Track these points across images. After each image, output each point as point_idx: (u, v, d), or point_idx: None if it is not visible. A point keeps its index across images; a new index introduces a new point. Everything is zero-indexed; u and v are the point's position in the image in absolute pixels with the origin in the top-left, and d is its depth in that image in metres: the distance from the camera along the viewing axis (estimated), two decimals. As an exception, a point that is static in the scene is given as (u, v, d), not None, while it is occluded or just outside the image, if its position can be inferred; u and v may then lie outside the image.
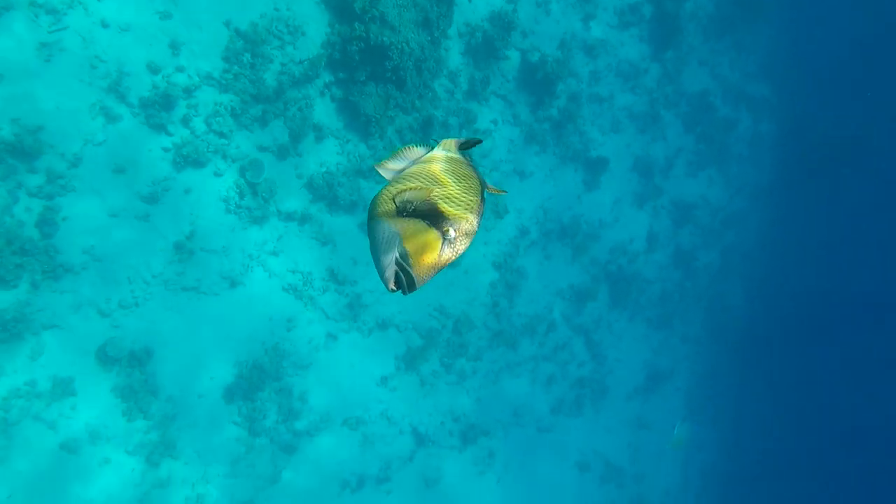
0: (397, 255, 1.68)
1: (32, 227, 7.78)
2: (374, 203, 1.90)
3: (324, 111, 9.67)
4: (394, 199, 1.84)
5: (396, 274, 1.68)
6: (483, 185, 2.06)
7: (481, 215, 1.87)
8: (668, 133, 14.93)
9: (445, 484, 11.42)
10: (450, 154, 2.17)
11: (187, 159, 8.82)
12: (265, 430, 9.45)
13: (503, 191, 2.30)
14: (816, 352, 18.14)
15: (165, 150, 8.69)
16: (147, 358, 8.61)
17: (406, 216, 1.79)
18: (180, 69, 8.64)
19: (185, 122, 8.76)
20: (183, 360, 8.93)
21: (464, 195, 1.88)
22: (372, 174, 9.98)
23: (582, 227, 13.16)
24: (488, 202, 10.62)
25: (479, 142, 2.66)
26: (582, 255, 13.25)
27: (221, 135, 8.98)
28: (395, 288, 1.67)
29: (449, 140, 2.30)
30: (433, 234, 1.73)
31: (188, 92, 8.73)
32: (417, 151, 2.19)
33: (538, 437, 13.13)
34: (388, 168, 2.13)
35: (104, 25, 8.20)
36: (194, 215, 8.96)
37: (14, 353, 7.83)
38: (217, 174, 9.10)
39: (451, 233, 1.75)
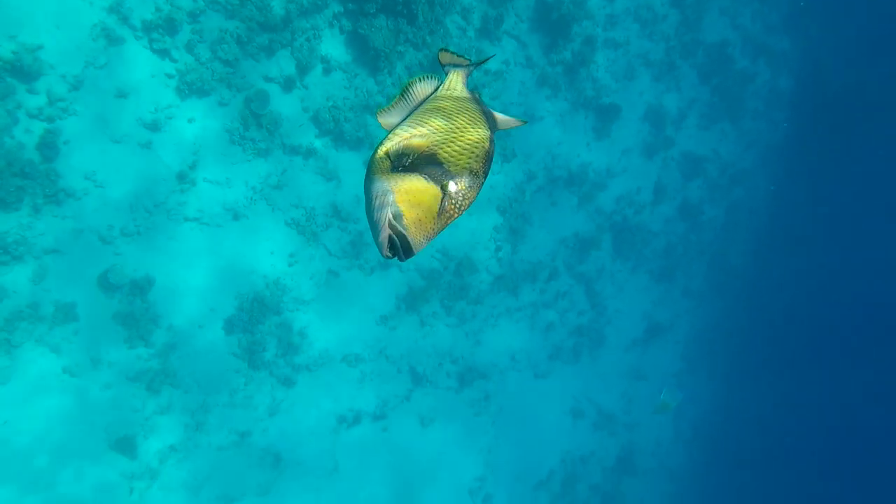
0: (390, 215, 1.48)
1: (33, 150, 7.62)
2: (370, 160, 1.68)
3: (332, 43, 9.36)
4: (388, 153, 1.61)
5: (390, 238, 1.48)
6: (493, 128, 1.83)
7: (489, 164, 1.65)
8: (683, 84, 14.53)
9: (440, 424, 11.52)
10: (455, 93, 1.92)
11: (191, 87, 8.59)
12: (264, 364, 9.47)
13: (523, 121, 2.02)
14: (816, 312, 18.11)
15: (169, 76, 8.45)
16: (148, 286, 8.56)
17: (402, 171, 1.56)
18: (185, -8, 8.34)
19: (190, 48, 8.49)
20: (184, 290, 8.88)
21: (468, 143, 1.65)
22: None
23: (589, 175, 12.93)
24: (497, 143, 10.38)
25: (492, 56, 2.45)
26: (588, 204, 13.06)
27: (227, 63, 8.72)
28: (389, 254, 1.48)
29: (456, 74, 2.03)
30: (431, 190, 1.53)
31: (193, 17, 8.44)
32: (422, 89, 1.93)
33: (534, 382, 13.19)
34: (391, 113, 1.89)
35: (107, -58, 7.87)
36: (197, 145, 8.78)
37: (16, 275, 7.78)
38: (222, 104, 8.88)
39: (452, 187, 1.54)
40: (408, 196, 1.50)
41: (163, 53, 8.36)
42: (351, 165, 9.78)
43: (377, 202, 1.52)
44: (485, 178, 1.62)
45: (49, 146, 7.70)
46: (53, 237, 7.91)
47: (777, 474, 18.12)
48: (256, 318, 9.30)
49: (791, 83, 17.06)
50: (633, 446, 15.42)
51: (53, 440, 8.12)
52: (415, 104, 1.90)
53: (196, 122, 8.76)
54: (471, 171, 1.59)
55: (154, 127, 8.43)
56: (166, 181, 8.60)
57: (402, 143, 1.63)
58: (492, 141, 1.72)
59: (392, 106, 1.89)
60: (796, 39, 17.06)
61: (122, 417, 8.56)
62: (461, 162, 1.59)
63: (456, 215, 1.55)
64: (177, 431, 8.94)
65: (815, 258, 18.27)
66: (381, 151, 1.64)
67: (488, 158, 1.66)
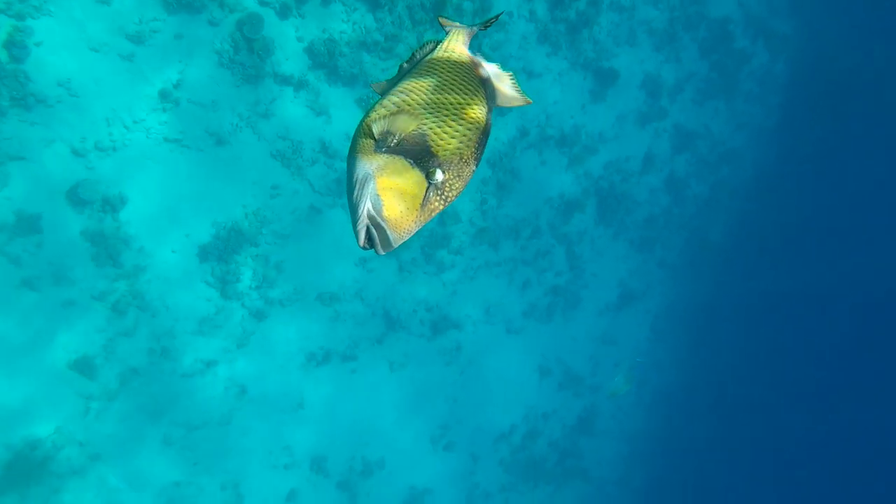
0: (370, 205, 1.29)
1: (0, 48, 6.86)
2: (356, 131, 1.45)
3: (332, -30, 8.59)
4: (372, 129, 1.37)
5: (368, 229, 1.28)
6: (492, 103, 1.55)
7: (482, 148, 1.40)
8: (683, 56, 13.87)
9: (409, 370, 11.11)
10: (454, 56, 1.61)
11: (180, 2, 7.82)
12: (237, 294, 8.94)
13: (528, 100, 1.63)
14: (788, 298, 17.91)
15: (156, -14, 7.67)
16: (121, 205, 7.92)
17: (386, 151, 1.34)
18: None
19: (181, -43, 7.70)
20: (159, 213, 8.26)
21: (461, 123, 1.38)
22: (376, 49, 9.04)
23: (582, 137, 12.34)
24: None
25: (500, 15, 2.09)
26: (577, 166, 12.50)
27: (219, -22, 7.94)
28: (366, 246, 1.30)
29: (457, 32, 1.71)
30: (416, 178, 1.31)
31: (186, -76, 7.62)
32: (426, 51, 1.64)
33: (506, 337, 12.82)
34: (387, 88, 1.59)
35: None
36: (183, 63, 8.05)
37: (-21, 180, 7.11)
38: (212, 23, 8.12)
39: (439, 176, 1.32)
40: (390, 184, 1.31)
41: (151, -40, 7.57)
42: (343, 102, 9.11)
43: (357, 187, 1.33)
44: (476, 164, 1.39)
45: (18, 45, 6.94)
46: (20, 143, 7.20)
47: (730, 448, 18.13)
48: (232, 248, 8.72)
49: (787, 69, 16.43)
50: (594, 408, 15.21)
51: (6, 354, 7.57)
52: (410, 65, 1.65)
53: (183, 40, 8.01)
54: (461, 158, 1.36)
55: (137, 39, 7.68)
56: (148, 98, 7.89)
57: (388, 118, 1.38)
58: (488, 120, 1.47)
59: (389, 82, 1.64)
60: (799, 25, 16.37)
61: (83, 338, 8.01)
62: (451, 146, 1.36)
63: (441, 208, 1.34)
64: (139, 356, 8.41)
65: (793, 244, 17.99)
66: (366, 124, 1.41)
67: (482, 141, 1.41)
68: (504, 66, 1.66)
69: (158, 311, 8.43)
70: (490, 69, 1.62)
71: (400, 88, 1.49)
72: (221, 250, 8.67)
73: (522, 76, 11.18)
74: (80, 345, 7.89)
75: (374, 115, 1.42)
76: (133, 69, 7.74)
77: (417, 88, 1.47)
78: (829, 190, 17.66)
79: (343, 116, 9.18)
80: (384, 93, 1.56)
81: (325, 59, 8.80)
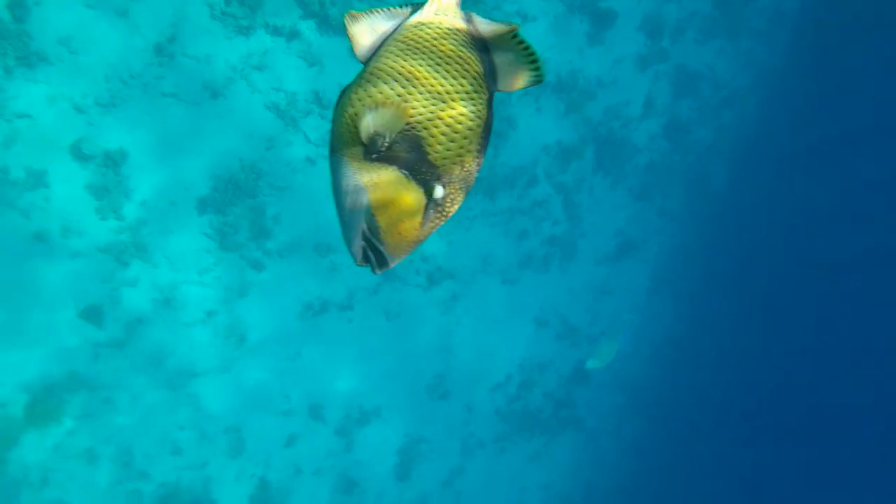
0: (364, 227, 1.29)
1: (4, 8, 7.71)
2: (335, 120, 1.36)
3: (323, -81, 9.36)
4: (359, 128, 1.28)
5: (364, 250, 1.32)
6: (493, 85, 1.45)
7: (485, 148, 1.37)
8: (686, -7, 14.63)
9: (405, 319, 12.28)
10: (445, 23, 1.43)
11: (172, -47, 8.61)
12: (236, 245, 9.98)
13: (538, 79, 1.54)
14: (790, 246, 18.95)
15: (150, -61, 8.46)
16: (122, 160, 8.89)
17: (376, 158, 1.28)
18: None
19: (173, -90, 8.47)
20: (158, 165, 9.22)
21: (459, 123, 1.30)
22: (368, -3, 9.85)
23: (579, 82, 13.23)
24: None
25: None
26: (575, 113, 13.42)
27: (211, -70, 8.72)
28: (364, 264, 1.35)
29: None
30: (413, 196, 1.28)
31: None
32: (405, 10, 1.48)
33: (502, 287, 13.96)
34: (363, 23, 1.45)
35: None
36: (176, 17, 8.88)
37: (-14, 136, 8.05)
38: (203, -26, 8.93)
39: (439, 192, 1.28)
40: (384, 200, 1.27)
41: (144, -86, 8.34)
42: (335, 51, 9.96)
43: (349, 200, 1.31)
44: (478, 169, 1.35)
45: (19, 5, 7.79)
46: (25, 101, 8.12)
47: (727, 399, 19.52)
48: (230, 200, 9.73)
49: (796, 5, 17.17)
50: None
51: (23, 304, 8.66)
52: (394, 23, 1.46)
53: (176, -8, 8.83)
54: (462, 166, 1.31)
55: (131, -7, 8.51)
56: (144, 52, 8.76)
57: (375, 113, 1.27)
58: (490, 113, 1.39)
59: (368, 13, 1.46)
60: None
61: (90, 287, 9.09)
62: (450, 153, 1.29)
63: (440, 223, 1.34)
64: (144, 304, 9.52)
65: (798, 191, 18.93)
66: (350, 115, 1.31)
67: (484, 142, 1.37)
68: (497, 9, 1.72)
69: (160, 264, 9.49)
70: (486, 29, 1.46)
71: (382, 67, 1.34)
72: (219, 202, 9.68)
73: (516, 20, 12.00)
74: (86, 295, 8.98)
75: (357, 104, 1.31)
76: (128, 25, 8.59)
77: (404, 68, 1.32)
78: (839, 134, 18.57)
79: (336, 66, 10.06)
80: (363, 45, 1.44)
81: (315, 7, 9.63)
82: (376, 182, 1.28)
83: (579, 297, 15.75)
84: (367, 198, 1.28)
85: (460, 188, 1.35)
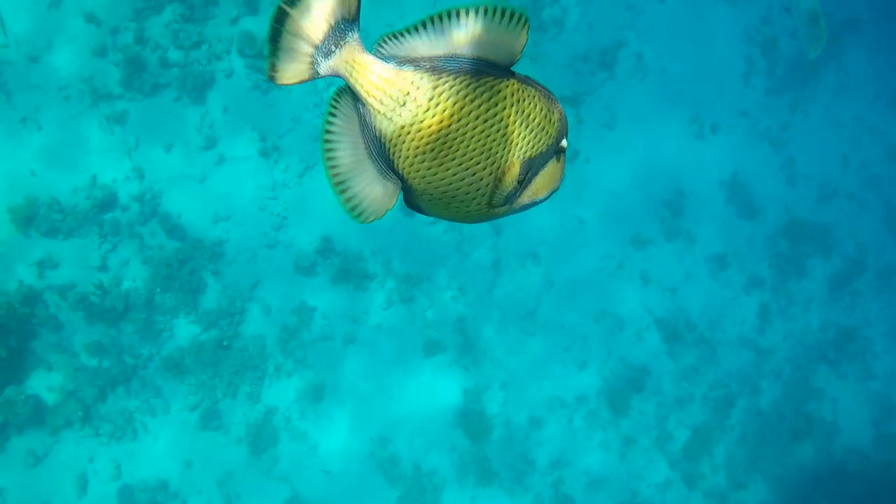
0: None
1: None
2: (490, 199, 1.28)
3: None
4: (502, 193, 1.27)
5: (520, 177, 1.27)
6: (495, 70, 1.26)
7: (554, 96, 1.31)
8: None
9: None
10: (394, 93, 1.18)
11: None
12: (285, 182, 10.89)
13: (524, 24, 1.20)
14: None
15: None
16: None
17: (522, 187, 1.29)
18: None
19: None
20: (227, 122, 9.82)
21: (534, 119, 1.25)
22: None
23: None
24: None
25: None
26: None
27: None
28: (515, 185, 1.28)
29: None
30: (557, 167, 1.34)
31: None
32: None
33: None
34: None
35: None
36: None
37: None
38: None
39: (564, 143, 1.31)
40: (546, 179, 1.33)
41: None
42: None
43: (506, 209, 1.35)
44: (560, 112, 1.33)
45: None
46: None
47: None
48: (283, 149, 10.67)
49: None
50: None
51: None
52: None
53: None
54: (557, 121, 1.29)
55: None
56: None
57: (511, 168, 1.25)
58: (523, 84, 1.28)
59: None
60: None
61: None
62: (548, 128, 1.27)
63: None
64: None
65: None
66: (508, 181, 1.26)
67: (550, 94, 1.31)
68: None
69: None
70: (426, 46, 1.20)
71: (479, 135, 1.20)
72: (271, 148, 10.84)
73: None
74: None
75: (512, 169, 1.25)
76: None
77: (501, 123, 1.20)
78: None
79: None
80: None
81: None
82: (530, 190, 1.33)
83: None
84: (531, 199, 1.33)
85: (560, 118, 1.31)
